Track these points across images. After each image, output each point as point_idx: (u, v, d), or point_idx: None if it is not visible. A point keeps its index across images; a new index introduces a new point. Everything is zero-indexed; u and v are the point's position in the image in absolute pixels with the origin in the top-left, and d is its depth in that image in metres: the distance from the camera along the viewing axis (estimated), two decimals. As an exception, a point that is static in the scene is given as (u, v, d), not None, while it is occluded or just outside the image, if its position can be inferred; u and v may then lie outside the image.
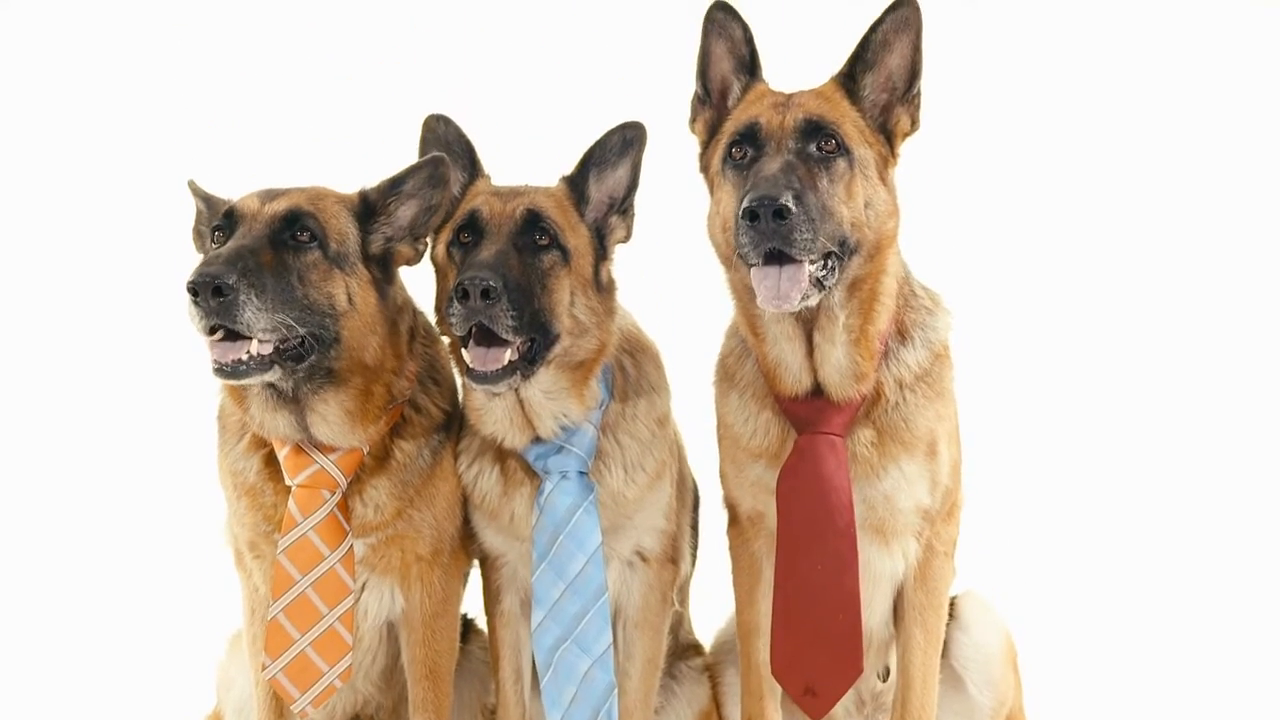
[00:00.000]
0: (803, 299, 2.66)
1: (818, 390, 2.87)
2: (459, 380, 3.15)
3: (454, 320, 2.75)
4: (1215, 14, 5.51)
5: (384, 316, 2.92)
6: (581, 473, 2.98)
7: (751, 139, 2.79)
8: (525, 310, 2.76)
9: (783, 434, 2.95)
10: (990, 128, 5.30)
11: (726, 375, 3.10)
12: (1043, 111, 5.43)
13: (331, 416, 2.87)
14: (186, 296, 2.63)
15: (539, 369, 2.87)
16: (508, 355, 2.77)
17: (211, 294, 2.61)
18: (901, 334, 2.93)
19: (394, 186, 3.00)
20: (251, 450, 3.00)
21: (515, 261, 2.82)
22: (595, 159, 3.04)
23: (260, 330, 2.67)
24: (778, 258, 2.63)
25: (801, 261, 2.63)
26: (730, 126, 2.87)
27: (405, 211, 3.00)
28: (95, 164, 5.52)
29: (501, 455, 3.07)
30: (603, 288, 3.01)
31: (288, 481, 2.91)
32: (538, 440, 2.98)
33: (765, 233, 2.59)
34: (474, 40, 5.57)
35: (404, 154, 5.30)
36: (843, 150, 2.76)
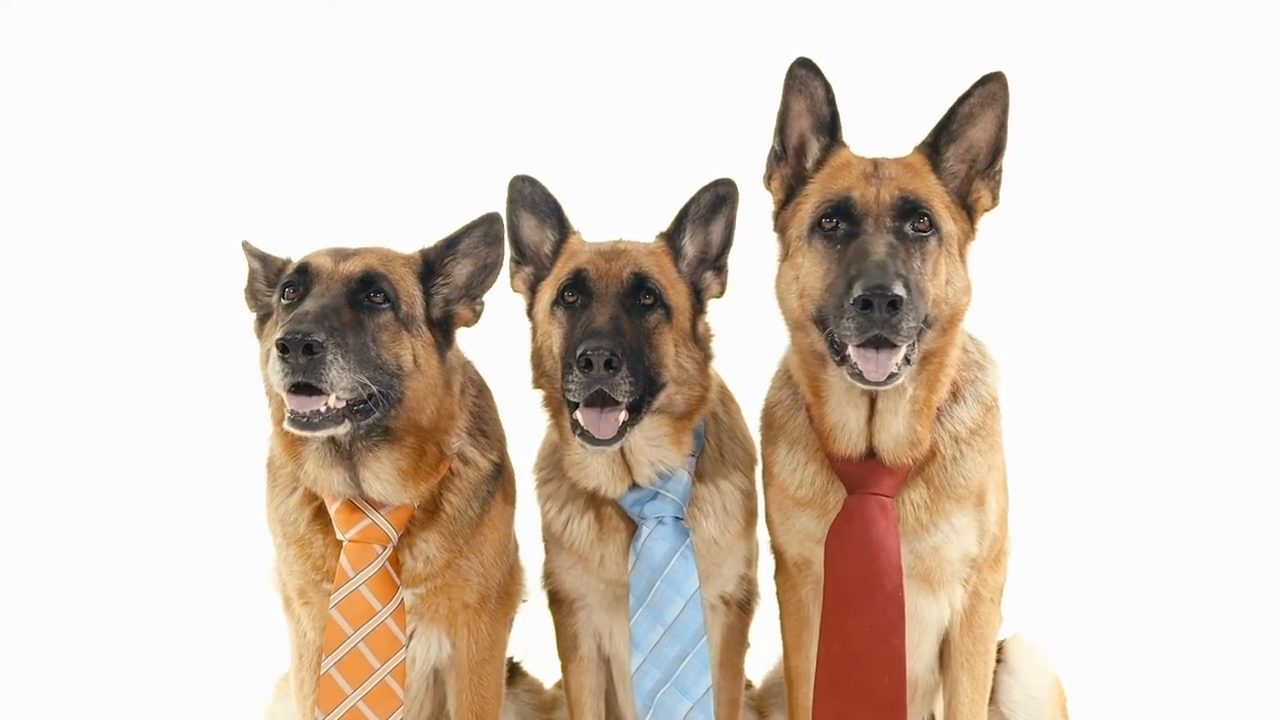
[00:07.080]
0: (896, 379, 2.68)
1: (870, 452, 2.87)
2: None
3: (572, 388, 2.79)
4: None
5: (443, 378, 2.95)
6: (677, 518, 3.02)
7: (845, 213, 2.77)
8: (639, 373, 2.82)
9: (829, 485, 2.95)
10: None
11: (775, 425, 3.10)
12: (1073, 153, 5.38)
13: (384, 474, 2.88)
14: (274, 353, 2.65)
15: (644, 418, 2.92)
16: (621, 418, 2.83)
17: (302, 351, 2.64)
18: (954, 393, 2.93)
19: (450, 246, 3.02)
20: (304, 503, 3.01)
21: (627, 325, 2.86)
22: (690, 215, 3.08)
23: (341, 388, 2.70)
24: (875, 341, 2.64)
25: (899, 345, 2.64)
26: (818, 194, 2.84)
27: (461, 270, 3.02)
28: (96, 166, 5.52)
29: (595, 502, 3.11)
30: (699, 339, 3.06)
31: (339, 536, 2.92)
32: (634, 487, 3.03)
33: (876, 321, 2.59)
34: (475, 41, 5.54)
35: (405, 156, 5.32)
36: (934, 229, 2.76)
